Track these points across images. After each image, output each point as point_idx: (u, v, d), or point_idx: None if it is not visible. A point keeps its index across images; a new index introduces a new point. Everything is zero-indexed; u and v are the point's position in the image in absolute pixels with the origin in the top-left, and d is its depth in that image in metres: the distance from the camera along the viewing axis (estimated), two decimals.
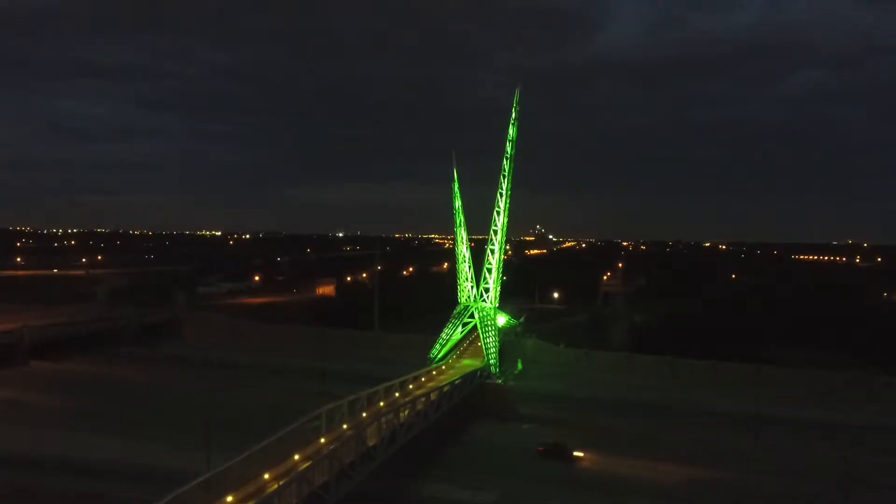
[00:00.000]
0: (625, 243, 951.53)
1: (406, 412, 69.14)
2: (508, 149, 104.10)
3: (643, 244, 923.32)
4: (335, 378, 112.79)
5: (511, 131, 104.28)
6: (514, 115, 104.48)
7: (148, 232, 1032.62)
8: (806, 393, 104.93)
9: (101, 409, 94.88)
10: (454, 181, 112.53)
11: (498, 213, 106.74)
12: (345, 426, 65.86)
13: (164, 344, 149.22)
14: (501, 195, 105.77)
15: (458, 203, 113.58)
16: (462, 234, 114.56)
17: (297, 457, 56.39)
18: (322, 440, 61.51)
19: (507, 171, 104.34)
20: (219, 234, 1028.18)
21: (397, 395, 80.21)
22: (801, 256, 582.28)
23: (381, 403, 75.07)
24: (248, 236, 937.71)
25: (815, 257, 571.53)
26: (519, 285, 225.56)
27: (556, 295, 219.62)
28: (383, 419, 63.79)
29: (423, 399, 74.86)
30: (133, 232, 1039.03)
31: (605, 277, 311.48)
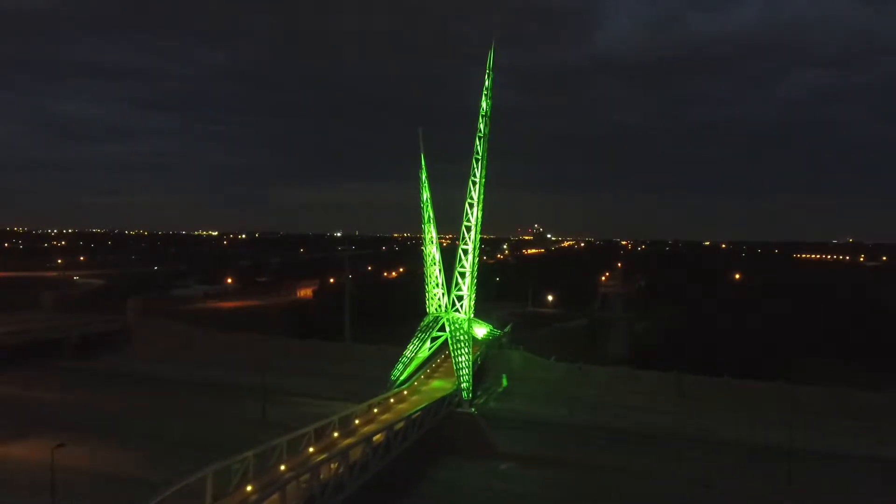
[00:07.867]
0: (624, 242, 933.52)
1: (335, 465, 52.18)
2: (481, 126, 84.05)
3: (642, 243, 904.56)
4: (284, 398, 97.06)
5: (484, 105, 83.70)
6: (487, 83, 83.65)
7: (143, 232, 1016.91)
8: (845, 418, 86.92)
9: None
10: (422, 169, 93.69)
11: (471, 205, 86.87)
12: (249, 488, 49.21)
13: (106, 357, 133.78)
14: (475, 183, 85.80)
15: (426, 194, 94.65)
16: (431, 231, 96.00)
17: None
18: None
19: (480, 153, 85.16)
20: (215, 234, 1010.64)
21: (336, 434, 63.22)
22: (803, 255, 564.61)
23: (311, 449, 58.28)
24: (243, 236, 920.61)
25: (818, 256, 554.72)
26: (513, 287, 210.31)
27: (550, 298, 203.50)
28: (292, 484, 46.75)
29: (361, 446, 57.52)
30: (128, 232, 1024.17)
31: (603, 278, 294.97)
